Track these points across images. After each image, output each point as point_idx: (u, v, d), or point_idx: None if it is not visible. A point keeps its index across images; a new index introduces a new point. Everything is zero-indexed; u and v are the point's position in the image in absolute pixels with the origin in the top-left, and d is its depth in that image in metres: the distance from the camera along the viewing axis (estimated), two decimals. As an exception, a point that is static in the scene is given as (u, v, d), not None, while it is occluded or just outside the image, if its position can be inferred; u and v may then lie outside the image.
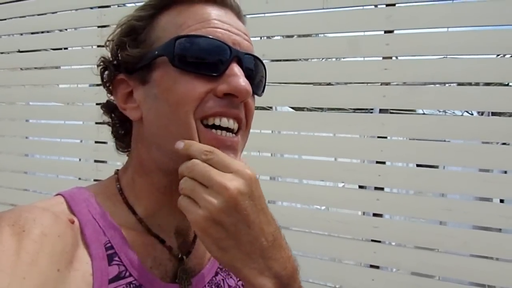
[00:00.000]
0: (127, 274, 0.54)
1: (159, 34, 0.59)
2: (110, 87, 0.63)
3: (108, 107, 0.66)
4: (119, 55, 0.61)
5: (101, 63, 0.63)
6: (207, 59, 0.56)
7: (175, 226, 0.63)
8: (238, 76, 0.56)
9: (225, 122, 0.56)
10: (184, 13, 0.58)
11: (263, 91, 0.64)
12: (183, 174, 0.52)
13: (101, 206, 0.58)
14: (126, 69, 0.60)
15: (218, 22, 0.58)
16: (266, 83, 0.65)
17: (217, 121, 0.56)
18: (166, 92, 0.56)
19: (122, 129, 0.66)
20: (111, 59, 0.62)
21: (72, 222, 0.53)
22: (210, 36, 0.56)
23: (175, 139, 0.55)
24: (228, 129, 0.57)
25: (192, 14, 0.58)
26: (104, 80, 0.64)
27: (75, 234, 0.52)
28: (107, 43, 0.63)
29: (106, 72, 0.63)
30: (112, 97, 0.65)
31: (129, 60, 0.59)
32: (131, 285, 0.55)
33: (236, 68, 0.56)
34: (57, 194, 0.59)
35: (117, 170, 0.66)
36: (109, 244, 0.55)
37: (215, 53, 0.56)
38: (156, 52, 0.57)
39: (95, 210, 0.57)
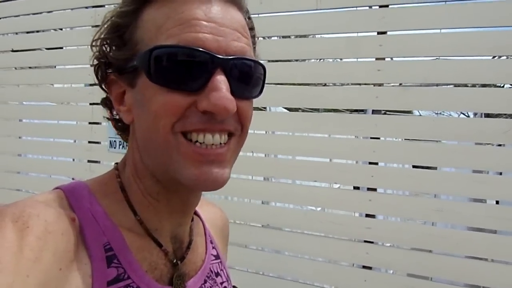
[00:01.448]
0: (126, 276, 0.53)
1: (141, 33, 0.54)
2: (105, 87, 0.61)
3: (107, 104, 0.63)
4: (107, 55, 0.58)
5: (95, 61, 0.60)
6: (186, 72, 0.51)
7: (170, 231, 0.62)
8: (218, 91, 0.50)
9: (209, 139, 0.52)
10: (164, 9, 0.53)
11: (261, 91, 0.59)
12: None
13: (100, 204, 0.56)
14: (117, 70, 0.57)
15: (200, 23, 0.51)
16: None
17: (200, 138, 0.52)
18: (148, 101, 0.53)
19: (123, 124, 0.63)
20: (100, 57, 0.59)
21: (73, 220, 0.51)
22: (187, 46, 0.50)
23: (156, 148, 0.54)
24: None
25: (172, 13, 0.52)
26: (99, 79, 0.60)
27: (76, 233, 0.51)
28: (93, 43, 0.59)
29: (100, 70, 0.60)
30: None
31: (116, 62, 0.56)
32: None
33: (217, 81, 0.51)
34: (56, 188, 0.57)
35: (116, 164, 0.63)
36: (108, 246, 0.53)
37: (195, 65, 0.50)
38: (135, 63, 0.53)
39: (95, 209, 0.55)
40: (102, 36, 0.58)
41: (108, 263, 0.52)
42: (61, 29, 2.78)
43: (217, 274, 0.69)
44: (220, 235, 0.77)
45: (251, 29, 0.61)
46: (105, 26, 0.58)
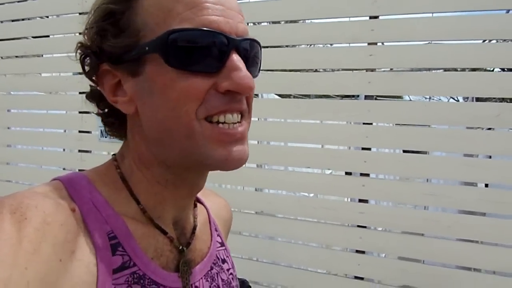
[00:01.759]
0: (131, 263, 0.53)
1: (145, 19, 0.52)
2: (94, 78, 0.58)
3: (93, 97, 0.61)
4: (101, 44, 0.55)
5: (80, 51, 0.58)
6: (205, 55, 0.51)
7: (173, 217, 0.62)
8: (239, 71, 0.52)
9: (229, 118, 0.54)
10: None
11: (259, 71, 0.61)
12: None
13: (101, 193, 0.56)
14: (110, 59, 0.55)
15: (212, 5, 0.52)
16: None
17: (221, 118, 0.53)
18: (164, 89, 0.52)
19: (115, 119, 0.61)
20: (91, 46, 0.56)
21: (73, 211, 0.51)
22: (206, 28, 0.51)
23: (176, 136, 0.53)
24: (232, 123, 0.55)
25: None
26: (87, 70, 0.58)
27: (77, 223, 0.50)
28: (85, 31, 0.57)
29: (88, 60, 0.57)
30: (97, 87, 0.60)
31: (113, 50, 0.54)
32: (135, 275, 0.53)
33: (236, 60, 0.52)
34: (54, 179, 0.56)
35: (115, 155, 0.62)
36: (112, 234, 0.53)
37: (214, 47, 0.51)
38: (147, 48, 0.52)
39: (95, 198, 0.54)
40: (94, 24, 0.56)
41: (113, 251, 0.52)
42: (47, 17, 2.72)
43: (224, 261, 0.70)
44: (223, 226, 0.78)
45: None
46: (96, 13, 0.56)
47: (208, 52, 0.51)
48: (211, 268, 0.66)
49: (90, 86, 0.62)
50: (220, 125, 0.53)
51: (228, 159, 0.53)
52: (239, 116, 0.55)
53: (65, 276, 0.46)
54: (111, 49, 0.54)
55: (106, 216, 0.54)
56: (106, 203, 0.55)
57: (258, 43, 0.59)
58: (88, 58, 0.57)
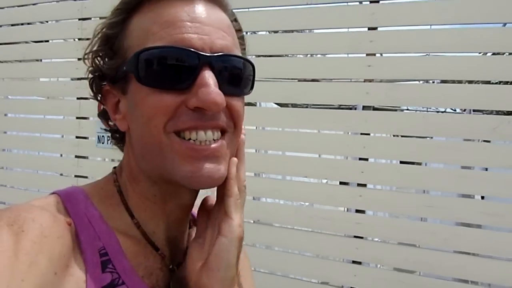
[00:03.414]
0: (120, 282, 0.53)
1: (130, 41, 0.55)
2: (101, 99, 0.61)
3: (104, 116, 0.63)
4: (100, 67, 0.59)
5: (89, 74, 0.60)
6: (173, 71, 0.52)
7: (166, 234, 0.61)
8: (207, 87, 0.51)
9: (201, 135, 0.53)
10: (149, 14, 0.54)
11: (251, 88, 0.60)
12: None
13: (96, 208, 0.56)
14: (110, 80, 0.58)
15: (185, 23, 0.52)
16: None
17: (193, 136, 0.52)
18: (139, 104, 0.54)
19: (119, 135, 0.64)
20: (94, 70, 0.60)
21: (69, 225, 0.51)
22: (174, 45, 0.51)
23: (151, 151, 0.54)
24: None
25: (158, 17, 0.53)
26: (94, 92, 0.61)
27: (72, 238, 0.51)
28: (85, 56, 0.60)
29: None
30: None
31: (110, 72, 0.57)
32: None
33: (206, 77, 0.51)
34: (52, 193, 0.57)
35: (115, 168, 0.63)
36: (103, 251, 0.53)
37: (182, 64, 0.52)
38: (125, 68, 0.54)
39: (91, 213, 0.55)
40: (94, 49, 0.59)
41: (102, 268, 0.52)
42: (47, 22, 2.72)
43: None
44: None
45: (239, 30, 0.62)
46: (96, 38, 0.59)
47: (178, 69, 0.52)
48: None
49: (91, 94, 0.63)
50: (191, 141, 0.53)
51: (194, 176, 0.52)
52: (217, 133, 0.54)
53: None
54: (108, 71, 0.57)
55: (99, 232, 0.54)
56: (100, 219, 0.55)
57: (244, 58, 0.57)
58: (94, 81, 0.60)
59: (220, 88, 0.52)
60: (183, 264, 0.62)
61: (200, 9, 0.54)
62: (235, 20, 0.61)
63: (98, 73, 0.59)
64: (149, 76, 0.52)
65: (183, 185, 0.53)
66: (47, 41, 2.69)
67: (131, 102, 0.55)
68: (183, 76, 0.52)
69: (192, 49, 0.52)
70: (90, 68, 0.60)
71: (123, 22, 0.57)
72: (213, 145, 0.53)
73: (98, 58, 0.59)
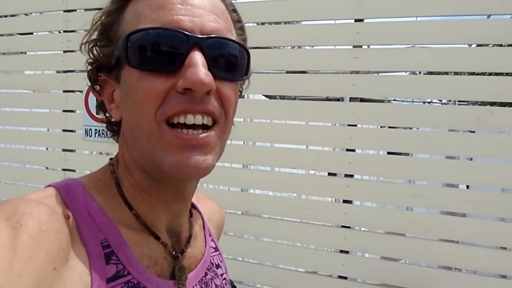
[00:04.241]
0: (125, 272, 0.52)
1: (123, 28, 0.55)
2: (98, 89, 0.60)
3: (101, 107, 0.62)
4: (96, 56, 0.58)
5: (88, 66, 0.60)
6: (162, 53, 0.51)
7: (166, 224, 0.61)
8: (194, 67, 0.50)
9: (190, 119, 0.51)
10: (144, 0, 0.54)
11: (246, 74, 0.58)
12: None
13: (95, 200, 0.55)
14: (106, 69, 0.57)
15: (176, 6, 0.52)
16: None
17: (181, 119, 0.51)
18: (131, 91, 0.53)
19: (115, 127, 0.63)
20: (92, 61, 0.59)
21: (68, 218, 0.50)
22: (163, 26, 0.51)
23: (141, 139, 0.54)
24: (196, 126, 0.52)
25: (150, 1, 0.53)
26: (91, 83, 0.61)
27: (71, 231, 0.50)
28: (82, 46, 0.59)
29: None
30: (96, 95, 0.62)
31: (103, 60, 0.57)
32: (129, 284, 0.53)
33: (194, 58, 0.50)
34: (49, 185, 0.56)
35: (111, 160, 0.62)
36: (106, 243, 0.52)
37: (170, 44, 0.51)
38: (116, 53, 0.54)
39: (90, 205, 0.54)
40: (91, 38, 0.58)
41: (106, 260, 0.52)
42: (31, 14, 2.68)
43: (218, 266, 0.70)
44: (215, 230, 0.78)
45: (237, 21, 0.61)
46: (94, 27, 0.58)
47: (167, 51, 0.51)
48: (206, 274, 0.65)
49: (94, 91, 0.63)
50: (179, 130, 0.52)
51: (180, 166, 0.51)
52: (207, 118, 0.53)
53: (59, 284, 0.46)
54: (103, 59, 0.57)
55: (100, 224, 0.53)
56: (100, 211, 0.54)
57: (237, 42, 0.56)
58: (92, 71, 0.60)
59: (210, 71, 0.51)
60: (186, 253, 0.63)
61: None
62: (234, 11, 0.61)
63: (95, 64, 0.59)
64: (138, 58, 0.52)
65: (170, 174, 0.53)
66: (32, 33, 2.65)
67: (124, 90, 0.55)
68: (172, 58, 0.51)
69: (181, 30, 0.51)
70: (89, 60, 0.59)
71: (119, 9, 0.56)
72: (201, 135, 0.52)
73: (96, 48, 0.58)
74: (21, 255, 0.43)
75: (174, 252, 0.60)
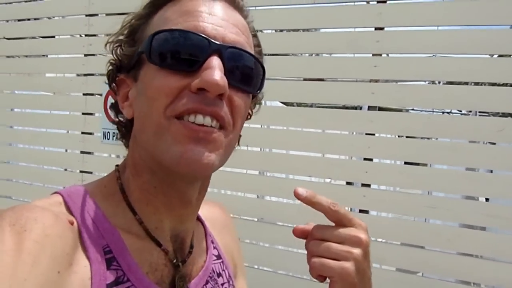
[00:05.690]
0: (125, 279, 0.53)
1: (150, 31, 0.57)
2: (115, 90, 0.62)
3: (115, 107, 0.64)
4: (118, 56, 0.60)
5: (109, 66, 0.62)
6: (183, 54, 0.53)
7: (170, 230, 0.61)
8: (212, 69, 0.51)
9: (200, 119, 0.52)
10: (173, 7, 0.57)
11: (259, 89, 0.60)
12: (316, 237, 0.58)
13: (99, 207, 0.56)
14: (126, 69, 0.60)
15: (202, 14, 0.55)
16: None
17: (191, 118, 0.52)
18: (145, 88, 0.55)
19: (126, 129, 0.64)
20: (114, 61, 0.61)
21: (72, 224, 0.51)
22: (188, 30, 0.53)
23: (149, 132, 0.55)
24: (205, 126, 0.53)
25: (179, 7, 0.56)
26: (109, 82, 0.63)
27: (74, 236, 0.51)
28: (107, 45, 0.61)
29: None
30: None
31: (125, 59, 0.59)
32: None
33: (213, 62, 0.52)
34: (54, 193, 0.57)
35: (117, 166, 0.63)
36: (107, 248, 0.53)
37: (192, 47, 0.53)
38: (139, 49, 0.56)
39: (93, 211, 0.55)
40: (117, 39, 0.61)
41: (107, 265, 0.52)
42: (54, 17, 2.73)
43: (219, 275, 0.69)
44: (223, 231, 0.77)
45: (257, 46, 0.64)
46: (123, 29, 0.61)
47: (187, 52, 0.53)
48: (206, 282, 0.65)
49: (110, 89, 0.64)
50: (188, 121, 0.52)
51: (182, 157, 0.51)
52: (216, 122, 0.53)
53: None
54: (124, 58, 0.59)
55: (102, 230, 0.54)
56: (103, 217, 0.56)
57: (255, 57, 0.58)
58: (112, 71, 0.62)
59: (225, 77, 0.53)
60: (188, 261, 0.63)
61: (220, 7, 0.57)
62: (255, 36, 0.64)
63: (116, 64, 0.61)
64: (159, 55, 0.54)
65: (171, 168, 0.53)
66: (54, 36, 2.70)
67: (140, 87, 0.57)
68: (191, 60, 0.53)
69: (204, 35, 0.53)
70: (111, 60, 0.61)
71: (149, 14, 0.59)
72: (209, 129, 0.53)
73: (121, 48, 0.60)
74: (26, 260, 0.44)
75: (175, 260, 0.60)
